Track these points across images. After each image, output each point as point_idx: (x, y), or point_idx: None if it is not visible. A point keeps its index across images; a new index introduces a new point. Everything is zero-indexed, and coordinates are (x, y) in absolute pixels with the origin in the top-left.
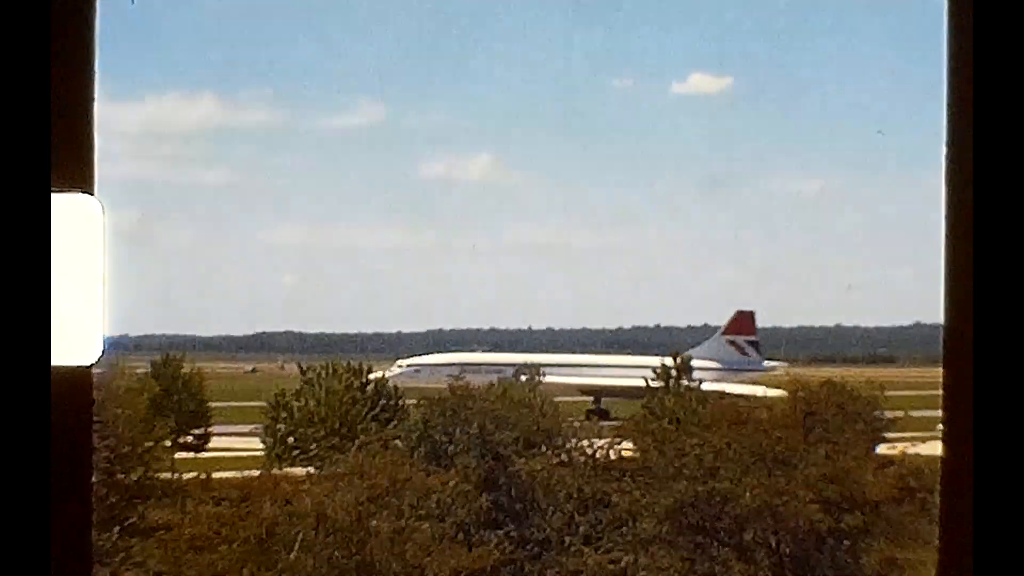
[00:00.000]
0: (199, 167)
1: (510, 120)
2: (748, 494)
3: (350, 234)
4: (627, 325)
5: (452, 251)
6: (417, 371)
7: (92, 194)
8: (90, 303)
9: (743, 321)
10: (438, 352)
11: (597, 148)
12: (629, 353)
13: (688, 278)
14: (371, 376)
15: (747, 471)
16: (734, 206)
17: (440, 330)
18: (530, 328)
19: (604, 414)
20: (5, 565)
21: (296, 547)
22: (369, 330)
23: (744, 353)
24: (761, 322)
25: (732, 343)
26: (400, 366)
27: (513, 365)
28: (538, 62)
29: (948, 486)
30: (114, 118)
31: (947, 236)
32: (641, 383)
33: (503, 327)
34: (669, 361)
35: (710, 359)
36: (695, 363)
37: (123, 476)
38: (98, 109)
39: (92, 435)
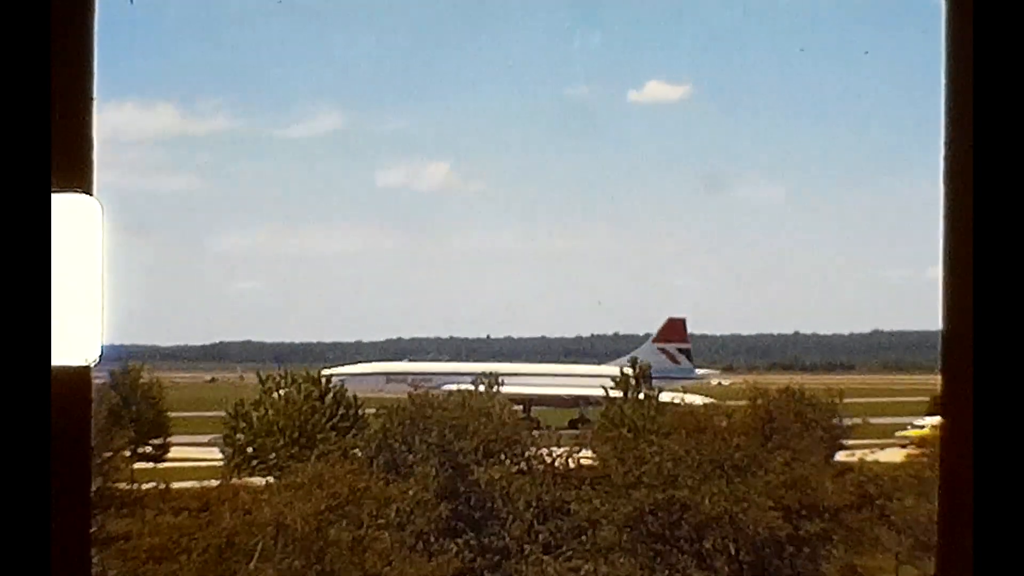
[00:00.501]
0: (159, 175)
1: (469, 128)
2: (707, 501)
3: (310, 243)
4: (585, 333)
5: (413, 260)
6: (342, 381)
7: (91, 194)
8: (90, 303)
9: (674, 328)
10: (397, 360)
11: (558, 157)
12: (587, 362)
13: (647, 286)
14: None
15: (706, 479)
16: (694, 213)
17: (399, 339)
18: (488, 337)
19: (534, 424)
20: (5, 564)
21: (256, 557)
22: (328, 339)
23: (675, 361)
24: (720, 330)
25: (663, 351)
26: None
27: (439, 374)
28: (505, 70)
29: (948, 486)
30: None
31: (946, 238)
32: (570, 392)
33: (462, 336)
34: (603, 369)
35: None
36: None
37: None
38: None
39: (92, 435)
